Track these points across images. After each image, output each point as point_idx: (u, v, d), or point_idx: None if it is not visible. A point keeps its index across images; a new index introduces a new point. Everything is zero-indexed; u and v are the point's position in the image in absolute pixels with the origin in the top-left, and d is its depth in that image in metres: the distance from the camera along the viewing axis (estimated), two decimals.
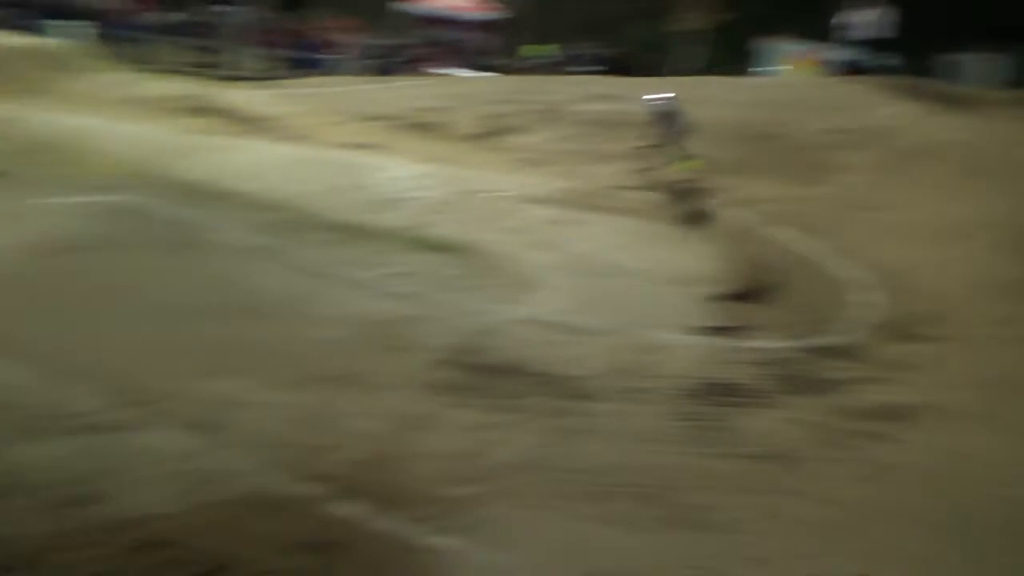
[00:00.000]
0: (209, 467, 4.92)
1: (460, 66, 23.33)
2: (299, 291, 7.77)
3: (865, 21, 21.46)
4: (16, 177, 9.66)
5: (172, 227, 8.54)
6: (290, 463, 5.08)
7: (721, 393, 6.71)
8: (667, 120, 12.99)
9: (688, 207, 11.81)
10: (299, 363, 6.45)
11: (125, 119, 13.70)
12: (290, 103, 16.05)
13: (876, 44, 21.55)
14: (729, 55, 23.03)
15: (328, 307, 7.53)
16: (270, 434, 5.36)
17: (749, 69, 23.15)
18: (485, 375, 6.63)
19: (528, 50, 24.92)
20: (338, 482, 4.98)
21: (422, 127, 14.94)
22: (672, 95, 13.29)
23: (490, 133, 14.90)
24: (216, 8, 22.86)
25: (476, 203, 11.28)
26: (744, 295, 9.05)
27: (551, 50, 24.77)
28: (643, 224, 11.12)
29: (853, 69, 20.68)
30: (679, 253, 10.25)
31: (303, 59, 21.00)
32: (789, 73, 22.37)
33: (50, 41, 18.51)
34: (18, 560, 3.99)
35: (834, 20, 22.08)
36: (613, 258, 9.78)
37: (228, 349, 6.42)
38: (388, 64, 21.20)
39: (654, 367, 7.09)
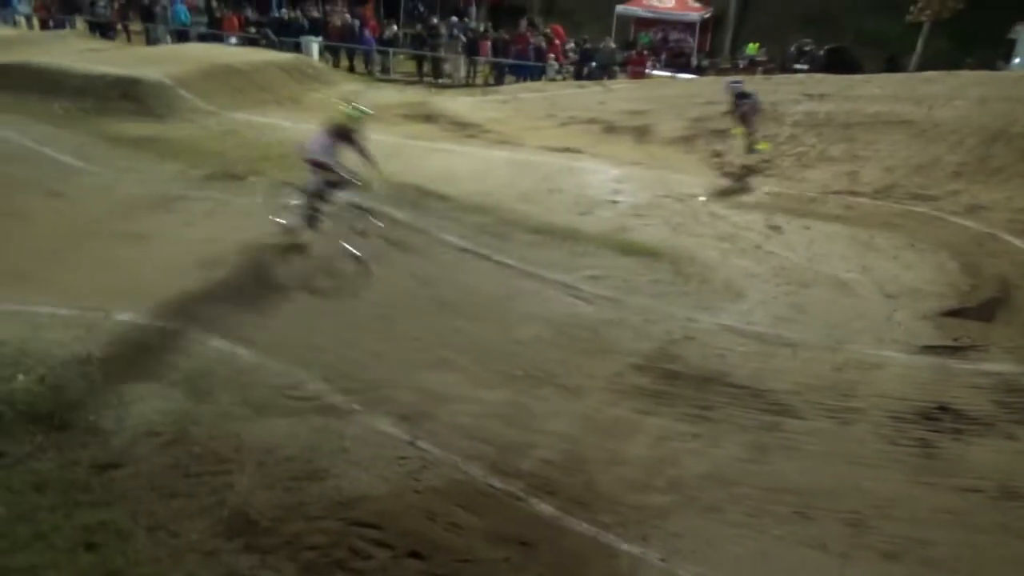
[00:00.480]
0: (416, 456, 5.22)
1: (670, 67, 22.95)
2: (504, 291, 8.00)
3: None
4: (258, 180, 10.72)
5: (390, 227, 9.07)
6: (490, 458, 5.28)
7: (939, 418, 6.10)
8: (745, 103, 12.72)
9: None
10: (502, 360, 6.67)
11: None
12: (502, 109, 16.59)
13: None
14: (975, 46, 20.69)
15: (531, 307, 7.70)
16: (473, 428, 5.59)
17: (1003, 62, 20.68)
18: (682, 383, 6.49)
19: (746, 49, 24.00)
20: (533, 480, 5.11)
21: (628, 130, 14.84)
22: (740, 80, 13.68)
23: (697, 136, 14.49)
24: (437, 21, 24.13)
25: (680, 207, 11.04)
26: (968, 311, 8.13)
27: (761, 49, 23.68)
28: (857, 231, 10.33)
29: None
30: (895, 262, 9.41)
31: (517, 66, 21.60)
32: None
33: (295, 56, 20.47)
34: (253, 528, 4.46)
35: None
36: (824, 267, 9.18)
37: (437, 344, 6.76)
38: (598, 68, 21.26)
39: (865, 385, 6.57)
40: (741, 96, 12.87)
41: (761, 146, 13.03)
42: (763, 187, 12.03)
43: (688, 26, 25.43)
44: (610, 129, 14.90)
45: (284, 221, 8.26)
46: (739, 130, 12.94)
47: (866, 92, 14.81)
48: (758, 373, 6.69)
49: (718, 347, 7.16)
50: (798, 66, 21.26)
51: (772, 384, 6.48)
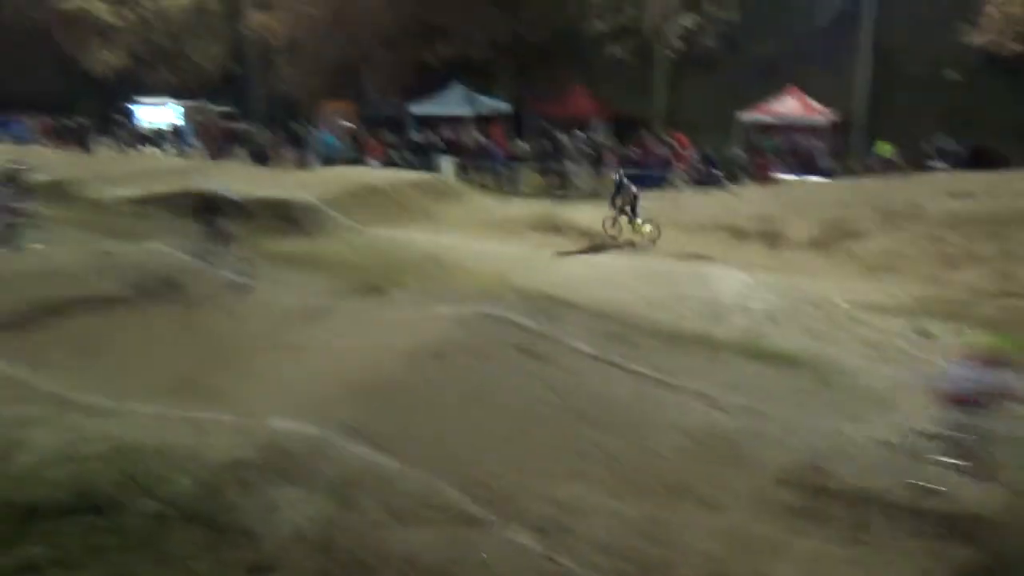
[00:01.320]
0: (554, 571, 5.09)
1: (799, 171, 22.64)
2: (638, 399, 7.88)
3: None
4: (395, 291, 11.22)
5: (524, 335, 9.22)
6: None
7: None
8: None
9: None
10: (638, 471, 6.50)
11: (486, 238, 15.44)
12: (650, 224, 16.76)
13: None
14: None
15: (665, 416, 7.53)
16: (612, 544, 5.43)
17: None
18: (833, 500, 6.09)
19: (877, 148, 23.40)
20: None
21: (758, 235, 14.65)
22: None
23: (831, 239, 14.12)
24: (561, 135, 25.05)
25: (817, 312, 10.65)
26: None
27: (894, 149, 23.01)
28: (1020, 336, 9.56)
29: None
30: None
31: (642, 175, 21.92)
32: None
33: (430, 175, 21.70)
34: None
35: None
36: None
37: (572, 454, 6.69)
38: (724, 173, 21.27)
39: None
40: (620, 184, 15.45)
41: (646, 229, 15.27)
42: (908, 290, 11.45)
43: (814, 129, 25.14)
44: (739, 234, 14.76)
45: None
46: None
47: (1016, 188, 14.05)
48: (917, 492, 6.18)
49: (869, 461, 6.71)
50: (936, 164, 20.47)
51: (937, 505, 5.96)
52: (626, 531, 5.61)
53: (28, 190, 12.23)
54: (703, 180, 21.01)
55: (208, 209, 9.13)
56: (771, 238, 14.46)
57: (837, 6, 26.94)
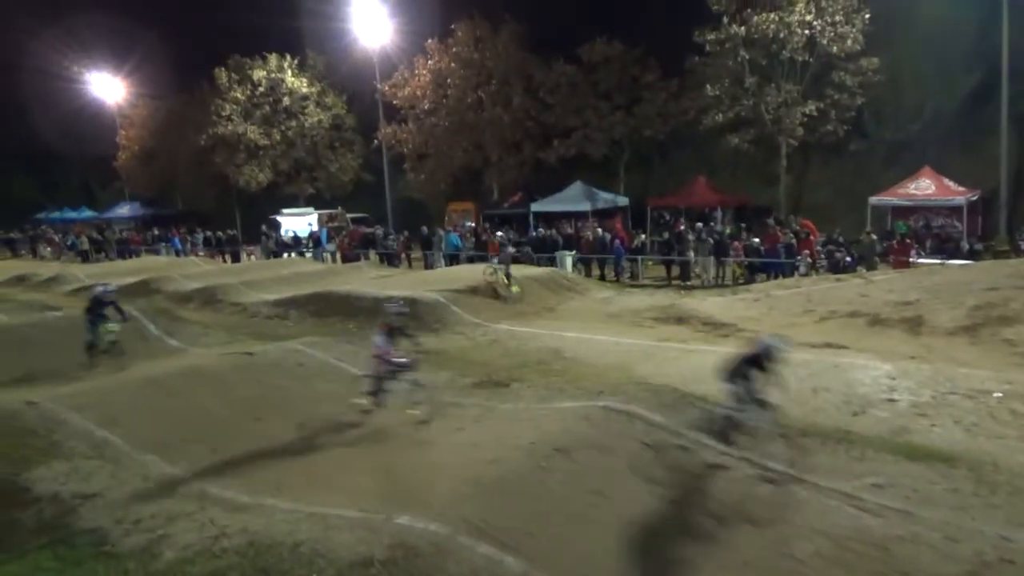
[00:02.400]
0: None
1: (936, 254, 21.40)
2: (775, 500, 7.38)
3: None
4: (519, 386, 11.22)
5: (648, 430, 8.93)
6: None
7: None
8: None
9: None
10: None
11: (608, 331, 15.30)
12: (755, 307, 16.28)
13: None
14: None
15: (806, 518, 6.99)
16: None
17: None
18: None
19: None
20: None
21: (898, 322, 13.77)
22: None
23: (980, 324, 13.05)
24: (683, 227, 24.93)
25: (971, 404, 9.75)
26: None
27: None
28: None
29: None
30: None
31: (767, 264, 21.40)
32: None
33: (551, 269, 21.98)
34: None
35: None
36: None
37: (709, 560, 6.30)
38: (854, 260, 20.40)
39: None
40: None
41: (514, 288, 18.36)
42: None
43: (953, 210, 23.85)
44: (876, 322, 13.94)
45: None
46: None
47: None
48: None
49: None
50: None
51: None
52: None
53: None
54: (833, 267, 20.19)
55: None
56: (913, 325, 13.54)
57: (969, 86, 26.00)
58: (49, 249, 44.90)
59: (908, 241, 21.28)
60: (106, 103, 50.75)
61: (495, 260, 20.11)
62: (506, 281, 18.48)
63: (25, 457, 8.35)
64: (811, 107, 26.19)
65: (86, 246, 40.65)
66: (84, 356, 13.12)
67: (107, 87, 50.17)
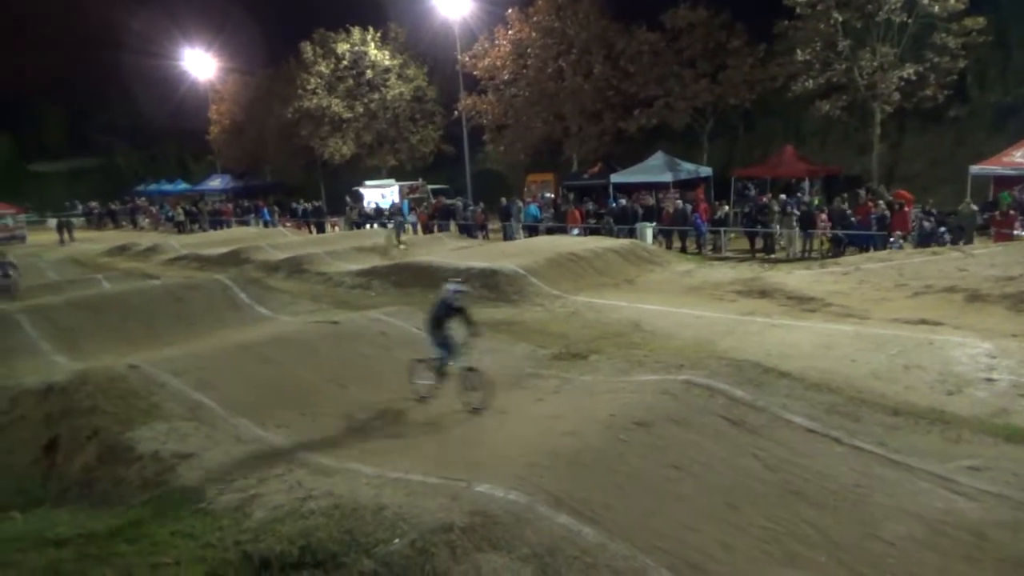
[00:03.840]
0: None
1: None
2: (862, 479, 7.15)
3: None
4: (598, 358, 11.16)
5: (730, 406, 8.77)
6: None
7: None
8: None
9: None
10: (865, 561, 5.86)
11: (689, 304, 15.07)
12: (844, 281, 15.73)
13: None
14: None
15: (895, 500, 6.76)
16: None
17: None
18: None
19: None
20: None
21: (999, 298, 13.06)
22: None
23: None
24: (768, 199, 24.17)
25: None
26: None
27: None
28: None
29: None
30: None
31: (856, 237, 20.55)
32: None
33: (631, 241, 21.72)
34: None
35: None
36: None
37: (788, 536, 6.17)
38: (952, 232, 19.36)
39: None
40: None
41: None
42: None
43: None
44: (975, 298, 13.26)
45: None
46: None
47: None
48: None
49: None
50: None
51: None
52: None
53: None
54: (925, 239, 19.19)
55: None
56: (1015, 301, 12.80)
57: None
58: (147, 220, 47.13)
59: (1012, 212, 20.06)
60: (199, 79, 52.47)
61: (390, 224, 25.98)
62: (396, 242, 24.43)
63: (129, 417, 8.82)
64: (909, 71, 24.81)
65: (181, 217, 42.47)
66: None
67: (200, 63, 51.85)
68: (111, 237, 39.15)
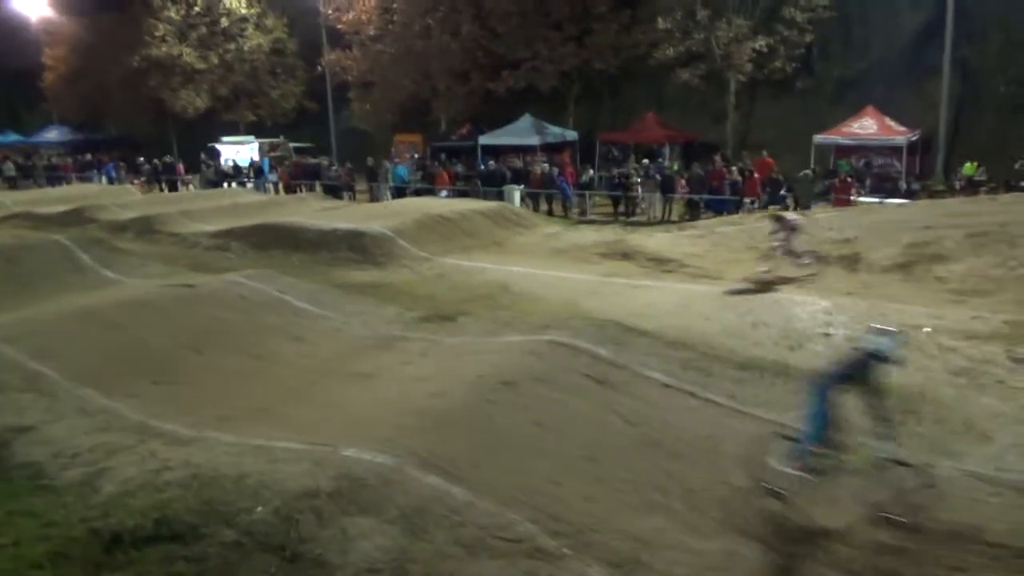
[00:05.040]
0: None
1: (876, 193, 21.92)
2: (714, 430, 7.64)
3: None
4: (465, 320, 11.24)
5: (593, 364, 9.08)
6: None
7: None
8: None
9: None
10: (716, 507, 6.28)
11: (556, 266, 15.39)
12: (699, 243, 16.52)
13: None
14: None
15: (744, 449, 7.25)
16: None
17: None
18: (926, 539, 5.73)
19: (963, 169, 22.46)
20: None
21: (836, 259, 14.13)
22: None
23: (914, 262, 13.50)
24: (630, 164, 24.96)
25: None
26: None
27: (979, 168, 22.04)
28: None
29: None
30: None
31: (711, 201, 21.63)
32: None
33: (499, 204, 21.84)
34: None
35: None
36: None
37: (647, 486, 6.51)
38: (800, 198, 20.73)
39: None
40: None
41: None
42: (1001, 316, 10.82)
43: (893, 150, 24.35)
44: (817, 259, 14.28)
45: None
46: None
47: None
48: (1020, 529, 5.77)
49: (965, 498, 6.31)
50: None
51: None
52: (705, 569, 5.39)
53: None
54: (769, 204, 20.44)
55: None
56: (850, 262, 13.93)
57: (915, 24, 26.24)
58: None
59: (850, 180, 21.70)
60: (27, 18, 47.69)
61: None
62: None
63: None
64: (761, 43, 26.16)
65: (12, 172, 38.75)
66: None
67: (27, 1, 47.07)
68: None
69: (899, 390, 8.32)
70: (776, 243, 13.75)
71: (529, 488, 6.33)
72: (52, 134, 49.65)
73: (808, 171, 21.71)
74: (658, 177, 22.92)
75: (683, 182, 22.68)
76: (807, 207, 19.70)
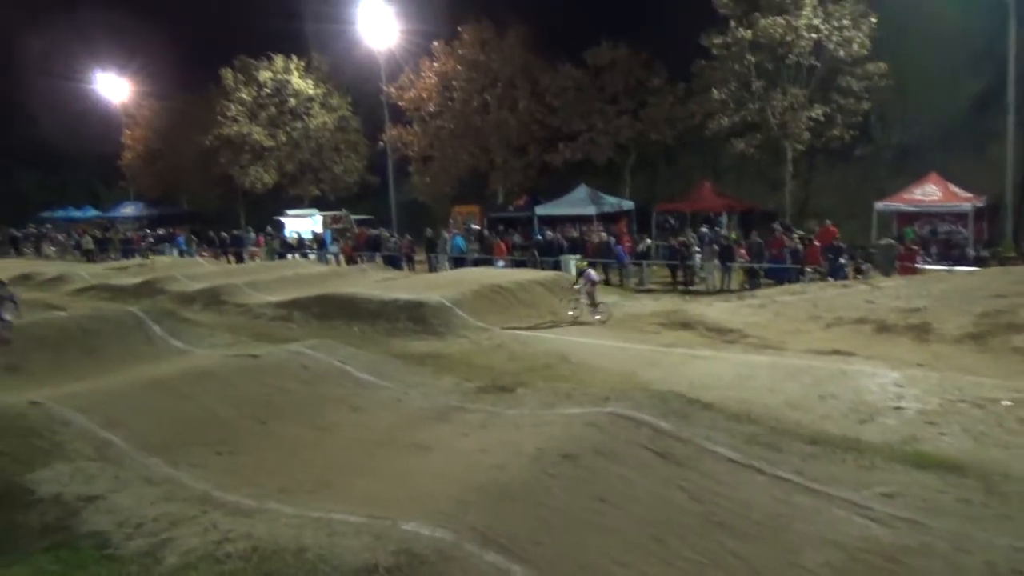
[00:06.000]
0: None
1: (945, 260, 21.33)
2: (782, 508, 7.31)
3: None
4: (525, 391, 11.15)
5: (655, 437, 8.86)
6: None
7: None
8: None
9: None
10: None
11: (614, 336, 15.26)
12: (761, 313, 16.21)
13: None
14: None
15: (815, 528, 6.92)
16: None
17: None
18: None
19: None
20: None
21: (905, 329, 13.70)
22: None
23: (987, 333, 12.98)
24: (688, 232, 24.86)
25: (980, 412, 9.69)
26: None
27: None
28: None
29: None
30: None
31: (771, 269, 21.31)
32: None
33: (555, 273, 21.91)
34: None
35: None
36: None
37: (713, 567, 6.23)
38: (860, 265, 20.30)
39: None
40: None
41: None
42: None
43: (959, 216, 23.77)
44: (883, 329, 13.88)
45: None
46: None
47: None
48: None
49: None
50: None
51: None
52: None
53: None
54: (833, 272, 20.05)
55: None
56: (920, 332, 13.46)
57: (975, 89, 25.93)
58: (53, 248, 44.97)
59: (915, 247, 21.19)
60: (112, 103, 50.76)
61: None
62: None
63: (29, 458, 8.29)
64: (817, 111, 26.14)
65: (90, 245, 40.68)
66: None
67: (113, 87, 50.20)
68: (12, 266, 37.09)
69: (979, 467, 7.95)
70: (581, 293, 17.17)
71: (592, 566, 6.14)
72: (128, 209, 52.24)
73: (890, 239, 21.26)
74: (716, 246, 22.75)
75: (742, 251, 22.45)
76: (887, 274, 19.24)
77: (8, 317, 11.36)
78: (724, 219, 28.23)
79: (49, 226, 50.77)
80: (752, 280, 21.90)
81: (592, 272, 17.90)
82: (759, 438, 8.89)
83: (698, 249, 23.05)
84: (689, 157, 33.31)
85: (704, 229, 25.23)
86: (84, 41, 50.11)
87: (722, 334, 14.91)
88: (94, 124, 51.41)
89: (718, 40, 26.56)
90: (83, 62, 50.09)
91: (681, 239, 24.04)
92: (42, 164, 60.07)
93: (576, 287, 17.32)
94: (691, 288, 22.48)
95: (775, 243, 21.92)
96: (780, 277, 21.11)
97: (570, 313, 17.23)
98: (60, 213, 55.11)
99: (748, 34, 25.77)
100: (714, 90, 27.16)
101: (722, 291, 21.56)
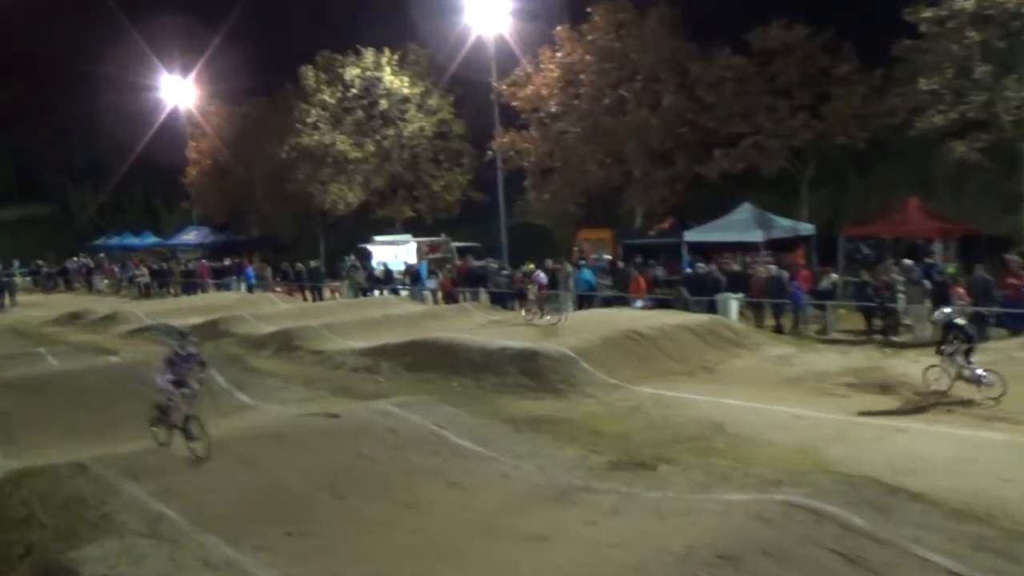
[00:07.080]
0: None
1: None
2: None
3: None
4: (670, 469, 11.01)
5: (843, 536, 8.54)
6: None
7: None
8: None
9: None
10: None
11: (787, 400, 14.88)
12: (988, 373, 15.40)
13: None
14: None
15: None
16: None
17: None
18: None
19: None
20: None
21: None
22: None
23: None
24: (888, 264, 24.01)
25: None
26: None
27: None
28: None
29: None
30: None
31: (1007, 316, 20.24)
32: None
33: (710, 317, 21.63)
34: None
35: None
36: None
37: None
38: None
39: None
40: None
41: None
42: None
43: None
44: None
45: None
46: None
47: None
48: None
49: None
50: None
51: None
52: None
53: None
54: None
55: None
56: None
57: None
58: (105, 281, 48.19)
59: None
60: (176, 109, 54.12)
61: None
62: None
63: (73, 531, 8.84)
64: None
65: (147, 278, 43.26)
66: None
67: (178, 90, 53.46)
68: (61, 302, 40.12)
69: None
70: (534, 297, 22.40)
71: None
72: (190, 236, 55.43)
73: None
74: (927, 283, 21.86)
75: (962, 290, 21.45)
76: None
77: (196, 386, 11.81)
78: (937, 248, 27.11)
79: (103, 255, 54.54)
80: (978, 329, 20.84)
81: (541, 274, 23.45)
82: (988, 543, 8.42)
83: (902, 288, 22.18)
84: (888, 167, 32.32)
85: (909, 261, 24.27)
86: (145, 38, 53.89)
87: (932, 400, 14.42)
88: (156, 135, 54.96)
89: (928, 13, 25.73)
90: (145, 63, 53.64)
91: (881, 276, 23.23)
92: (100, 183, 64.91)
93: (533, 292, 22.66)
94: (893, 339, 21.63)
95: (1008, 280, 20.85)
96: (1016, 325, 20.02)
97: (526, 317, 22.31)
98: (116, 240, 59.20)
99: (970, 3, 24.86)
100: (922, 79, 26.26)
101: (934, 343, 20.60)
